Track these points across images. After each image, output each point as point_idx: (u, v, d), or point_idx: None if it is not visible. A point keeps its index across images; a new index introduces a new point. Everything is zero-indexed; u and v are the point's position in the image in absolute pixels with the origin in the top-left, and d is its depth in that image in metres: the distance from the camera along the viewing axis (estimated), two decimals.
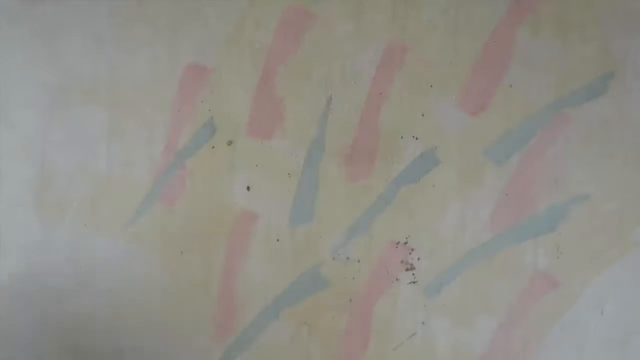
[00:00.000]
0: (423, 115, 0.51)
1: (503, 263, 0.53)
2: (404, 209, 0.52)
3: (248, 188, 0.51)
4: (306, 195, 0.52)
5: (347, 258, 0.53)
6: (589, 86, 0.51)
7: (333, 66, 0.51)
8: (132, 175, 0.51)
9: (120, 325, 0.52)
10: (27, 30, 0.49)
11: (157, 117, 0.50)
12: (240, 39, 0.50)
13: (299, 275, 0.53)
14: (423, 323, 0.53)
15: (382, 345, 0.53)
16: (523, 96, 0.51)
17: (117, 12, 0.49)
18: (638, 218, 0.53)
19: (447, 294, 0.53)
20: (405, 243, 0.53)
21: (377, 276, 0.53)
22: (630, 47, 0.51)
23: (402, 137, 0.51)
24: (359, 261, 0.53)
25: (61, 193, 0.50)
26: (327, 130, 0.51)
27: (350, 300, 0.53)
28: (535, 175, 0.52)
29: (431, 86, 0.51)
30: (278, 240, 0.52)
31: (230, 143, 0.51)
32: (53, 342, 0.52)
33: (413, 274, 0.53)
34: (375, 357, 0.53)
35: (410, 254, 0.53)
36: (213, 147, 0.51)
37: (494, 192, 0.52)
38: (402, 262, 0.53)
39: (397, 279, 0.53)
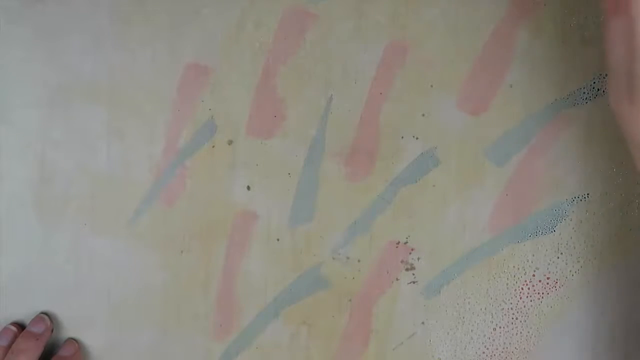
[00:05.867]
0: (423, 115, 0.51)
1: (503, 263, 0.53)
2: (404, 209, 0.52)
3: (248, 188, 0.51)
4: (306, 195, 0.52)
5: (347, 258, 0.53)
6: (589, 86, 0.51)
7: (333, 66, 0.51)
8: (132, 175, 0.51)
9: (120, 324, 0.52)
10: (27, 30, 0.49)
11: (157, 116, 0.50)
12: (240, 39, 0.50)
13: (299, 275, 0.53)
14: (423, 323, 0.53)
15: (382, 345, 0.53)
16: (523, 96, 0.51)
17: (117, 12, 0.49)
18: (638, 218, 0.53)
19: (447, 294, 0.53)
20: (405, 243, 0.53)
21: (377, 276, 0.53)
22: None
23: (402, 137, 0.51)
24: (359, 261, 0.53)
25: (61, 193, 0.50)
26: (327, 130, 0.51)
27: (350, 300, 0.53)
28: (535, 175, 0.52)
29: (431, 86, 0.51)
30: (278, 240, 0.52)
31: (230, 142, 0.51)
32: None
33: (413, 274, 0.53)
34: (375, 357, 0.53)
35: (410, 254, 0.53)
36: (213, 147, 0.51)
37: (494, 192, 0.52)
38: (402, 262, 0.53)
39: (397, 279, 0.53)
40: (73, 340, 0.51)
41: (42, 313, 0.50)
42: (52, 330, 0.50)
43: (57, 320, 0.51)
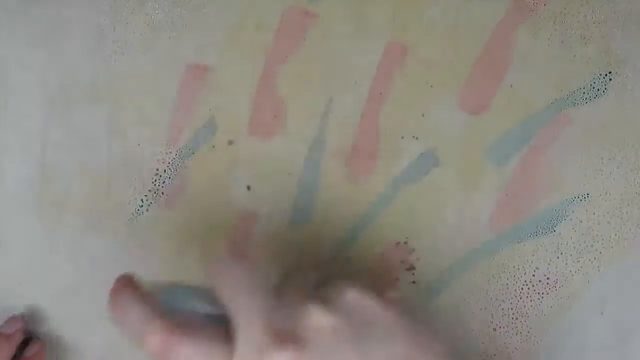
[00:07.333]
0: (423, 115, 0.51)
1: (503, 263, 0.53)
2: (404, 209, 0.52)
3: (248, 188, 0.51)
4: (306, 195, 0.52)
5: (347, 258, 0.52)
6: (589, 86, 0.51)
7: (333, 66, 0.51)
8: (132, 175, 0.51)
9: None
10: (27, 30, 0.49)
11: (157, 116, 0.50)
12: (240, 39, 0.50)
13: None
14: None
15: None
16: (523, 96, 0.51)
17: (117, 12, 0.49)
18: (638, 218, 0.53)
19: (447, 294, 0.53)
20: (405, 243, 0.53)
21: (377, 276, 0.53)
22: (630, 47, 0.51)
23: (402, 137, 0.51)
24: (359, 261, 0.53)
25: (61, 192, 0.50)
26: (327, 130, 0.51)
27: None
28: (535, 175, 0.52)
29: (431, 86, 0.51)
30: (278, 240, 0.52)
31: (230, 142, 0.51)
32: (51, 342, 0.51)
33: (413, 274, 0.53)
34: None
35: (410, 254, 0.53)
36: (213, 147, 0.51)
37: (494, 192, 0.52)
38: (402, 262, 0.53)
39: (397, 279, 0.53)
40: (37, 339, 0.50)
41: (17, 314, 0.50)
42: (23, 331, 0.50)
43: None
